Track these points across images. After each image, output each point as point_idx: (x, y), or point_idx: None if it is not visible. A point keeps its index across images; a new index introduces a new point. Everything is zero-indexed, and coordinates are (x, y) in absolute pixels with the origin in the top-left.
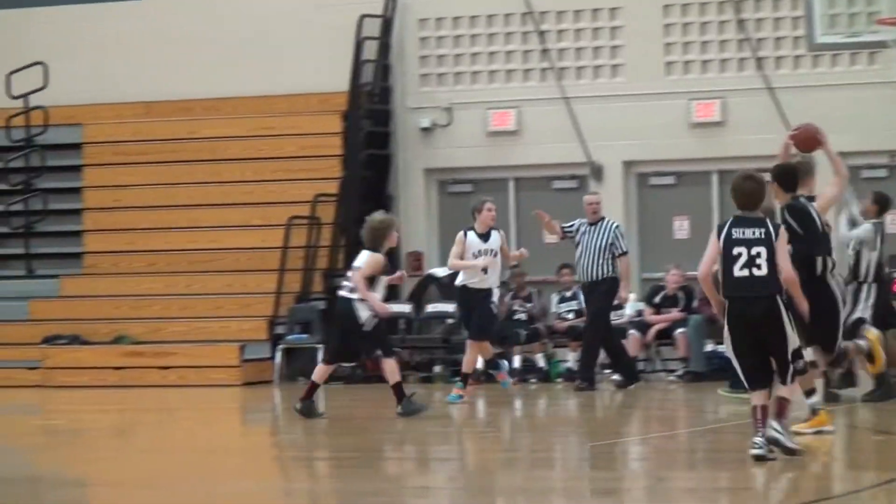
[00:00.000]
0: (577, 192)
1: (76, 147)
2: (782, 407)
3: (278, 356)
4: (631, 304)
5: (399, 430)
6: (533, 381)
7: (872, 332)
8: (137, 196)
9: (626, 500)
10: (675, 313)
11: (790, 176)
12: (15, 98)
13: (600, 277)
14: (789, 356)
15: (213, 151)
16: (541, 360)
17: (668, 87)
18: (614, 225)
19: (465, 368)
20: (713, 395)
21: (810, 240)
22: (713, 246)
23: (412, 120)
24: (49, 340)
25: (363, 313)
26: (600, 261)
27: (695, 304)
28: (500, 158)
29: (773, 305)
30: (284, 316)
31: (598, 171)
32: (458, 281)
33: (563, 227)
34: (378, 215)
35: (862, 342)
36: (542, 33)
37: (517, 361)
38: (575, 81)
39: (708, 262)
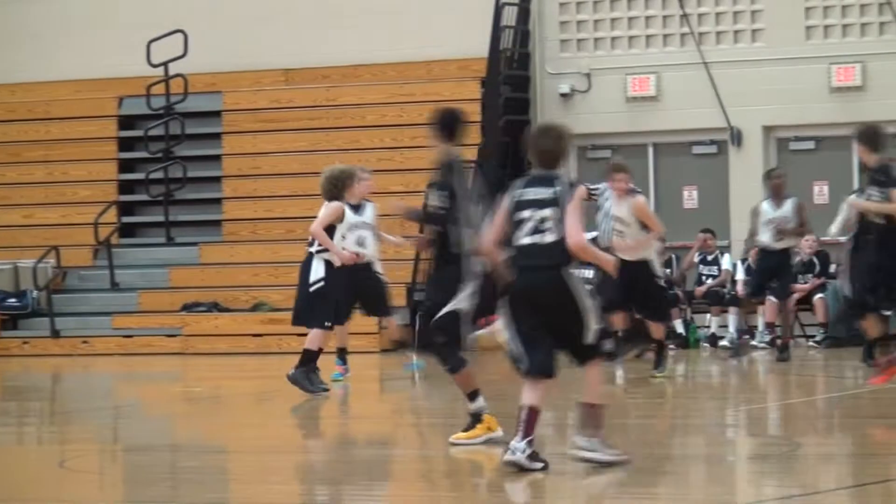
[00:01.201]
0: (717, 158)
1: (216, 115)
2: (591, 414)
3: (417, 322)
4: None
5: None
6: (672, 347)
7: None
8: (276, 163)
9: (763, 466)
10: (814, 281)
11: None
12: (155, 66)
13: None
14: (586, 338)
15: (352, 118)
16: (679, 326)
17: (808, 51)
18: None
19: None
20: (853, 360)
21: None
22: (501, 209)
23: (551, 86)
24: (188, 308)
25: (317, 270)
26: None
27: (832, 269)
28: (639, 124)
29: (558, 279)
30: (423, 282)
31: (737, 136)
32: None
33: (590, 189)
34: (338, 166)
35: None
36: None
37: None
38: (714, 46)
39: (494, 228)
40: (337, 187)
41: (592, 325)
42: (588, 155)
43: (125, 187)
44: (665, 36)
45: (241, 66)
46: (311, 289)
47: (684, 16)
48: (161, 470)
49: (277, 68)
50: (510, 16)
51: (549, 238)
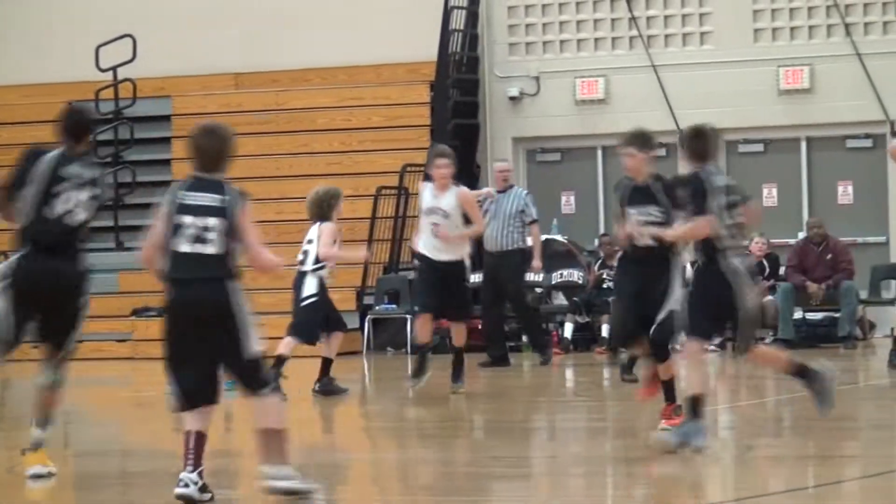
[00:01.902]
0: (667, 161)
1: (165, 119)
2: (274, 441)
3: (366, 327)
4: None
5: (484, 400)
6: (622, 350)
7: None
8: None
9: (713, 469)
10: (763, 282)
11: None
12: (104, 71)
13: (509, 247)
14: (248, 358)
15: (301, 122)
16: None
17: (756, 54)
18: (524, 193)
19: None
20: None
21: None
22: (160, 215)
23: (500, 89)
24: (138, 313)
25: (310, 286)
26: (510, 229)
27: (782, 271)
28: (588, 127)
29: (221, 293)
30: (372, 286)
31: None
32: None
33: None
34: (322, 187)
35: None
36: (629, 1)
37: (605, 330)
38: (663, 49)
39: (152, 237)
40: (324, 208)
41: (254, 346)
42: (537, 158)
43: None
44: (613, 39)
45: (191, 70)
46: (304, 304)
47: (632, 19)
48: (111, 475)
49: (227, 72)
50: (459, 19)
51: (211, 249)
